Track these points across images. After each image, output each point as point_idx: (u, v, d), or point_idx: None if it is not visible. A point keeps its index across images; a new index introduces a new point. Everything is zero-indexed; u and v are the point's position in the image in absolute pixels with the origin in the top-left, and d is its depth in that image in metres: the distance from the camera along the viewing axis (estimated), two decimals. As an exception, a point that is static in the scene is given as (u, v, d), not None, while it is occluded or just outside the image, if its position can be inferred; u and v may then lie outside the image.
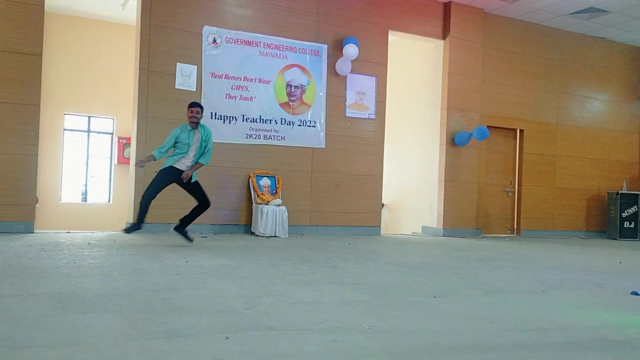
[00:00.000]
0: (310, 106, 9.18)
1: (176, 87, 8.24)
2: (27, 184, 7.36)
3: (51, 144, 10.63)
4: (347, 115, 9.50)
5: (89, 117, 11.37)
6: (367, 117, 9.66)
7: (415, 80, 11.13)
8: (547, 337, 2.90)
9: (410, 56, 11.19)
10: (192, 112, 6.34)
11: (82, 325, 2.74)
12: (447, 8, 10.30)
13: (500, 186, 11.28)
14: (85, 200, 11.40)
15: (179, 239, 6.64)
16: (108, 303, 3.29)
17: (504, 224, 11.35)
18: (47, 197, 10.61)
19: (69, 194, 11.24)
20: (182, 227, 6.54)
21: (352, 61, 9.19)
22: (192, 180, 6.49)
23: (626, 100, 12.47)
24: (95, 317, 2.92)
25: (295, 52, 9.03)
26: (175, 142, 6.40)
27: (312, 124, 9.19)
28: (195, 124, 6.38)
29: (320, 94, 9.24)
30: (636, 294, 4.38)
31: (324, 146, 9.30)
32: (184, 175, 6.32)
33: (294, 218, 8.89)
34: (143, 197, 6.34)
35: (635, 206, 11.58)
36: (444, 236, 10.14)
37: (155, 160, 6.41)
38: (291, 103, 9.02)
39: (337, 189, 9.37)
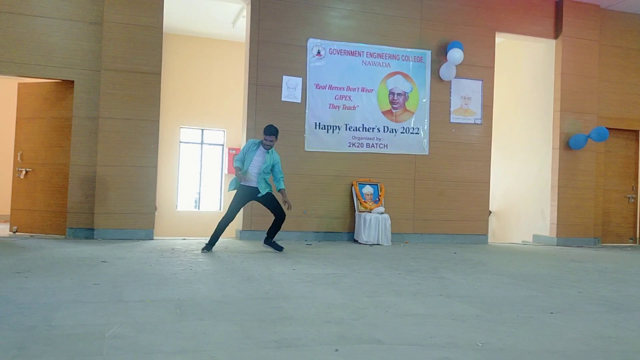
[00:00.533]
0: (413, 113, 9.07)
1: (282, 99, 8.50)
2: (148, 193, 7.91)
3: (169, 156, 11.39)
4: (452, 120, 9.28)
5: (202, 129, 12.04)
6: (473, 122, 9.38)
7: (524, 83, 10.65)
8: (683, 363, 2.65)
9: (519, 58, 10.73)
10: (266, 140, 6.58)
11: (200, 332, 2.90)
12: (558, 6, 9.76)
13: (621, 192, 10.46)
14: (198, 208, 12.06)
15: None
16: (222, 310, 3.45)
17: (625, 233, 10.52)
18: (165, 206, 11.36)
19: (184, 203, 11.96)
20: (269, 239, 6.85)
21: (456, 66, 8.98)
22: (264, 193, 6.65)
23: None
24: (211, 325, 3.08)
25: (398, 60, 8.98)
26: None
27: (415, 130, 9.08)
28: (268, 147, 6.64)
29: (424, 100, 9.12)
30: None
31: (427, 153, 9.15)
32: (285, 201, 6.70)
33: (397, 226, 8.82)
34: (221, 222, 6.63)
35: None
36: (557, 245, 9.58)
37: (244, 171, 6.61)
38: (394, 110, 8.98)
39: (441, 196, 9.18)
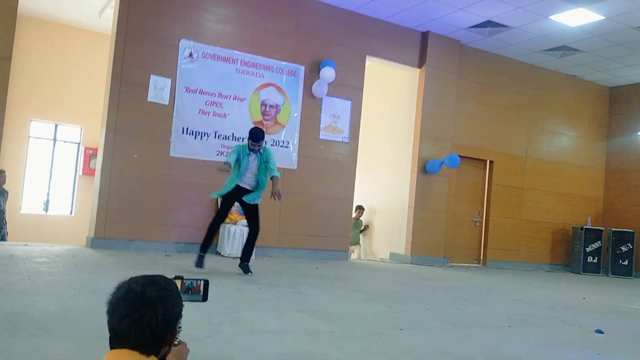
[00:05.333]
0: (284, 126, 9.11)
1: (148, 99, 8.07)
2: (-15, 191, 7.06)
3: (15, 150, 10.29)
4: (321, 137, 9.46)
5: (56, 124, 11.06)
6: (341, 140, 9.64)
7: (390, 107, 11.19)
8: (514, 379, 2.85)
9: (387, 82, 11.26)
10: (253, 145, 6.23)
11: (30, 350, 2.57)
12: (424, 37, 10.42)
13: (469, 216, 11.35)
14: (47, 211, 11.03)
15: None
16: (60, 326, 3.11)
17: (470, 254, 11.40)
18: (7, 206, 10.22)
19: (30, 204, 10.87)
20: (243, 262, 6.41)
21: (328, 84, 9.18)
22: (256, 203, 6.43)
23: (593, 137, 12.77)
24: (45, 342, 2.75)
25: (272, 72, 8.98)
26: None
27: (285, 144, 9.12)
28: (258, 151, 6.32)
29: (295, 114, 9.19)
30: (600, 332, 4.38)
31: (295, 167, 9.21)
32: (275, 191, 6.22)
33: (262, 239, 8.66)
34: (212, 224, 6.40)
35: (599, 241, 11.77)
36: (411, 263, 10.11)
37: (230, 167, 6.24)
38: (265, 122, 8.94)
39: (308, 211, 9.27)
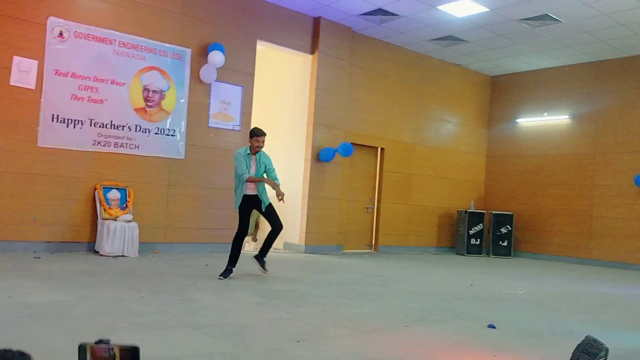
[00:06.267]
0: (169, 113, 8.50)
1: (11, 83, 7.14)
2: None
3: None
4: (210, 125, 8.96)
5: None
6: (232, 128, 9.20)
7: (283, 93, 10.89)
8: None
9: (280, 68, 10.92)
10: (258, 141, 6.32)
11: None
12: (316, 23, 10.19)
13: (361, 203, 11.42)
14: None
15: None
16: None
17: (363, 240, 11.51)
18: None
19: None
20: (261, 256, 6.56)
21: (217, 69, 8.68)
22: (266, 204, 6.43)
23: (476, 124, 13.35)
24: None
25: (155, 54, 8.30)
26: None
27: (171, 132, 8.52)
28: (258, 150, 6.36)
29: (182, 100, 8.61)
30: (492, 327, 4.43)
31: (183, 157, 8.67)
32: (280, 194, 6.28)
33: (146, 235, 8.14)
34: (236, 237, 6.35)
35: (481, 224, 12.38)
36: (305, 253, 9.98)
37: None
38: (148, 109, 8.28)
39: (196, 203, 8.78)
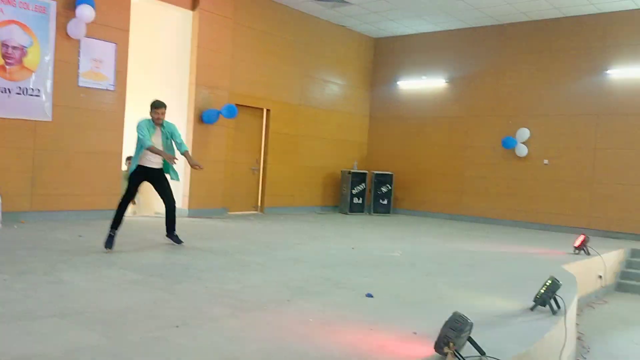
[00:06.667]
0: (33, 71, 7.72)
1: None
2: None
3: None
4: (81, 84, 8.29)
5: None
6: (105, 88, 8.59)
7: (162, 52, 10.30)
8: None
9: (158, 24, 10.27)
10: (157, 113, 6.21)
11: None
12: (197, -24, 9.66)
13: (247, 164, 11.30)
14: None
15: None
16: None
17: (249, 202, 11.46)
18: None
19: None
20: (171, 233, 6.58)
21: (87, 24, 7.98)
22: (175, 179, 6.53)
23: (360, 86, 13.60)
24: None
25: (15, 7, 7.43)
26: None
27: (36, 92, 7.78)
28: (160, 124, 6.23)
29: (47, 58, 7.84)
30: (370, 296, 4.62)
31: (50, 119, 7.98)
32: (194, 164, 6.38)
33: (10, 203, 7.47)
34: (121, 202, 6.19)
35: (363, 184, 12.80)
36: (189, 217, 9.75)
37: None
38: (8, 67, 7.46)
39: (66, 169, 8.17)
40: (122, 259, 5.66)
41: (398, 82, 13.35)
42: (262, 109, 11.39)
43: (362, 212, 12.80)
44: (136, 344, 3.16)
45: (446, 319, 3.08)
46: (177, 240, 6.62)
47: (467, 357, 3.02)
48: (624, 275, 8.68)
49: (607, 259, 8.00)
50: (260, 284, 4.93)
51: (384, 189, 12.92)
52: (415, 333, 3.61)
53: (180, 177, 9.89)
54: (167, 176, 6.50)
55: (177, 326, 3.51)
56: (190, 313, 3.86)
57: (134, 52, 9.09)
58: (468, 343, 3.14)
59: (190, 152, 6.95)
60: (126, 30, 8.76)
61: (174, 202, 6.56)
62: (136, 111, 9.87)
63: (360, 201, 12.79)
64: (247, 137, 11.20)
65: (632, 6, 10.13)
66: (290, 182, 12.03)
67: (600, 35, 10.68)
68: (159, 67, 10.30)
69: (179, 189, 9.92)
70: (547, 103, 11.27)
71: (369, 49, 13.71)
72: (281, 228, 9.34)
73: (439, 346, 3.04)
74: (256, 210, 11.54)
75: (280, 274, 5.43)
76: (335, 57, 12.82)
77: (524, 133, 11.38)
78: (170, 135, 6.36)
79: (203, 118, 9.81)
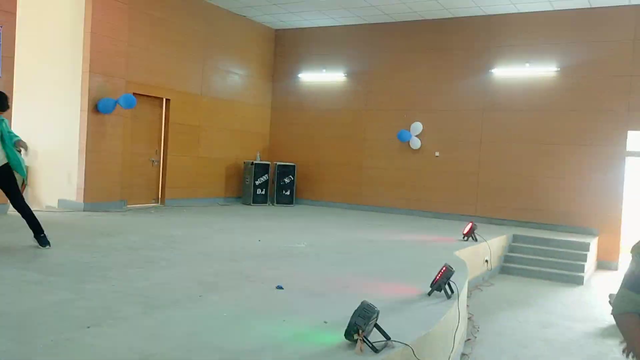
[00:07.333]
0: None
1: None
2: None
3: None
4: (-39, 70, 7.64)
5: None
6: (-10, 74, 7.98)
7: (54, 37, 9.70)
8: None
9: (49, 8, 9.66)
10: None
11: None
12: (91, -42, 9.19)
13: (146, 155, 10.99)
14: None
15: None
16: None
17: (149, 194, 11.16)
18: None
19: None
20: (37, 235, 5.93)
21: (-33, 4, 7.37)
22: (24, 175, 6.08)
23: (261, 77, 13.63)
24: None
25: None
26: None
27: None
28: None
29: None
30: (280, 288, 4.77)
31: None
32: (21, 144, 5.86)
33: None
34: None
35: (266, 174, 12.90)
36: (84, 210, 9.35)
37: None
38: None
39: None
40: (18, 260, 5.37)
41: (299, 75, 13.55)
42: (161, 99, 11.10)
43: (265, 203, 12.91)
44: (48, 347, 3.08)
45: (354, 307, 3.30)
46: (44, 243, 5.92)
47: (374, 342, 3.26)
48: (507, 259, 9.52)
49: (492, 245, 8.75)
50: (170, 281, 4.91)
51: (286, 180, 13.10)
52: (325, 322, 3.81)
53: (68, 169, 9.48)
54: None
55: (89, 327, 3.45)
56: (100, 313, 3.79)
57: (23, 37, 8.51)
58: (375, 329, 3.38)
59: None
60: (13, 13, 8.17)
61: (22, 202, 5.94)
62: (23, 98, 9.29)
63: (263, 192, 12.89)
64: (145, 127, 10.88)
65: (513, 10, 11.02)
66: (192, 174, 11.86)
67: (485, 36, 11.53)
68: (51, 54, 9.70)
69: (73, 181, 9.49)
70: (438, 99, 12.00)
71: (270, 41, 13.77)
72: (184, 221, 9.23)
73: (349, 334, 3.26)
74: (156, 202, 11.27)
75: (189, 270, 5.43)
76: (236, 47, 12.75)
77: (417, 127, 12.04)
78: (7, 130, 5.84)
79: (99, 107, 9.41)
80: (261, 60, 13.55)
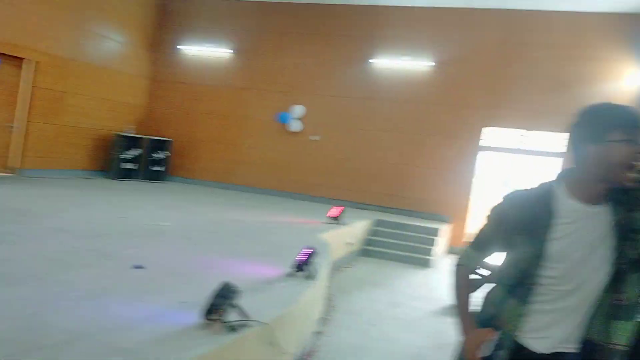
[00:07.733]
0: None
1: None
2: None
3: None
4: None
5: None
6: None
7: None
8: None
9: None
10: None
11: None
12: None
13: (3, 121, 10.02)
14: None
15: None
16: None
17: (6, 162, 10.21)
18: None
19: None
20: None
21: None
22: None
23: (141, 45, 12.96)
24: None
25: None
26: None
27: None
28: None
29: None
30: (139, 267, 4.60)
31: None
32: None
33: None
34: None
35: (138, 149, 12.33)
36: None
37: None
38: None
39: None
40: None
41: (181, 47, 13.07)
42: (22, 59, 10.15)
43: (135, 178, 12.36)
44: None
45: (215, 287, 3.29)
46: None
47: (233, 321, 3.27)
48: (369, 242, 9.97)
49: (357, 228, 9.12)
50: (15, 257, 4.54)
51: (161, 155, 12.63)
52: (184, 302, 3.75)
53: None
54: None
55: None
56: None
57: None
58: (235, 309, 3.39)
59: None
60: None
61: None
62: None
63: (133, 167, 12.32)
64: (2, 89, 9.90)
65: (395, 2, 11.43)
66: (54, 143, 11.02)
67: (368, 26, 11.87)
68: None
69: None
70: (321, 83, 12.19)
71: (150, 8, 13.11)
72: (40, 193, 8.57)
73: (208, 313, 3.24)
74: (11, 172, 10.34)
75: (38, 246, 5.05)
76: (113, 11, 11.99)
77: (298, 110, 12.16)
78: None
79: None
80: (142, 29, 12.88)
